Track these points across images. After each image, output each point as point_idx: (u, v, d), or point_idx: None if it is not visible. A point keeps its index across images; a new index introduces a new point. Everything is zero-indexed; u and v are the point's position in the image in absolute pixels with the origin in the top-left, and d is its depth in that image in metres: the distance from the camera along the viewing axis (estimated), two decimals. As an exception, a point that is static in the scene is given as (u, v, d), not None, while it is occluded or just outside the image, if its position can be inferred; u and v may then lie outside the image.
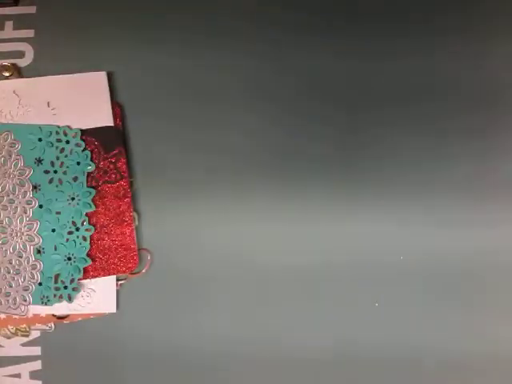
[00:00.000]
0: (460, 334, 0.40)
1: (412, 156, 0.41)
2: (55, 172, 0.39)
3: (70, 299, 0.38)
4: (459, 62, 0.42)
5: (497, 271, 0.40)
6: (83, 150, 0.39)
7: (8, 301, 0.38)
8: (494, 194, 0.41)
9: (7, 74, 0.40)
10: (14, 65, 0.40)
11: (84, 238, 0.38)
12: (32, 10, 0.42)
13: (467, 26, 0.42)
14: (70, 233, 0.38)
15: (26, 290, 0.38)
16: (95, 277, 0.39)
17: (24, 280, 0.38)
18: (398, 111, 0.41)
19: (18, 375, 0.39)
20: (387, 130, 0.41)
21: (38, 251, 0.38)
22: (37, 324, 0.39)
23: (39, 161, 0.39)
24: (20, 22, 0.42)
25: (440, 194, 0.41)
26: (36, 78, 0.40)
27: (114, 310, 0.39)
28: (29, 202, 0.38)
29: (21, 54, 0.41)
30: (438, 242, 0.40)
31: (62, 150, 0.39)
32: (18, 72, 0.41)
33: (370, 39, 0.42)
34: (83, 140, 0.39)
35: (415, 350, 0.40)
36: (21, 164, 0.38)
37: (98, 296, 0.39)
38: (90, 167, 0.39)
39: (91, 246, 0.39)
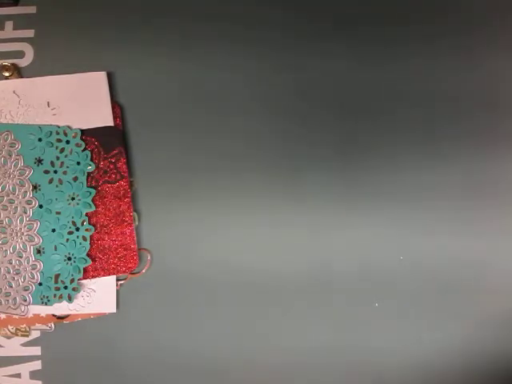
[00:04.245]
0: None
1: (411, 160, 0.41)
2: (55, 172, 0.39)
3: (69, 299, 0.38)
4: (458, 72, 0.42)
5: (496, 274, 0.40)
6: (83, 150, 0.39)
7: (8, 301, 0.38)
8: (492, 199, 0.41)
9: (7, 74, 0.40)
10: (13, 65, 0.40)
11: (84, 238, 0.38)
12: (32, 9, 0.42)
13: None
14: (70, 233, 0.38)
15: (26, 290, 0.38)
16: (95, 277, 0.39)
17: (24, 280, 0.38)
18: (397, 117, 0.42)
19: (18, 375, 0.39)
20: (386, 133, 0.41)
21: (38, 251, 0.38)
22: (37, 324, 0.39)
23: (39, 161, 0.39)
24: (20, 21, 0.42)
25: (439, 197, 0.41)
26: (36, 78, 0.40)
27: (114, 310, 0.39)
28: (29, 202, 0.38)
29: (21, 54, 0.41)
30: (436, 244, 0.41)
31: (62, 149, 0.39)
32: (18, 72, 0.41)
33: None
34: (83, 140, 0.39)
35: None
36: (21, 164, 0.38)
37: (98, 296, 0.39)
38: (90, 167, 0.39)
39: (91, 246, 0.39)
